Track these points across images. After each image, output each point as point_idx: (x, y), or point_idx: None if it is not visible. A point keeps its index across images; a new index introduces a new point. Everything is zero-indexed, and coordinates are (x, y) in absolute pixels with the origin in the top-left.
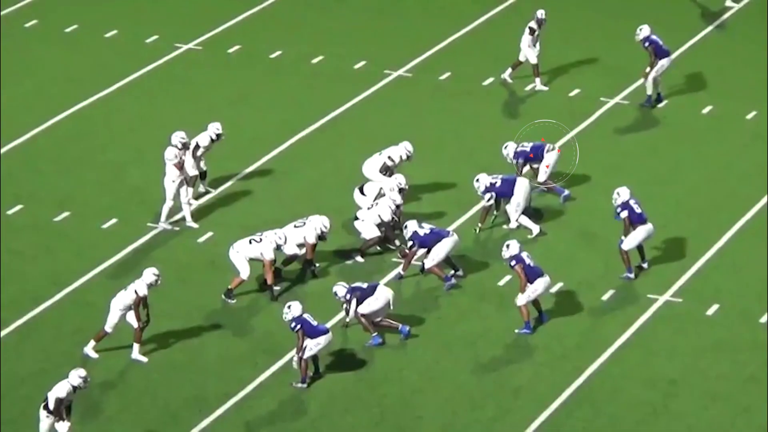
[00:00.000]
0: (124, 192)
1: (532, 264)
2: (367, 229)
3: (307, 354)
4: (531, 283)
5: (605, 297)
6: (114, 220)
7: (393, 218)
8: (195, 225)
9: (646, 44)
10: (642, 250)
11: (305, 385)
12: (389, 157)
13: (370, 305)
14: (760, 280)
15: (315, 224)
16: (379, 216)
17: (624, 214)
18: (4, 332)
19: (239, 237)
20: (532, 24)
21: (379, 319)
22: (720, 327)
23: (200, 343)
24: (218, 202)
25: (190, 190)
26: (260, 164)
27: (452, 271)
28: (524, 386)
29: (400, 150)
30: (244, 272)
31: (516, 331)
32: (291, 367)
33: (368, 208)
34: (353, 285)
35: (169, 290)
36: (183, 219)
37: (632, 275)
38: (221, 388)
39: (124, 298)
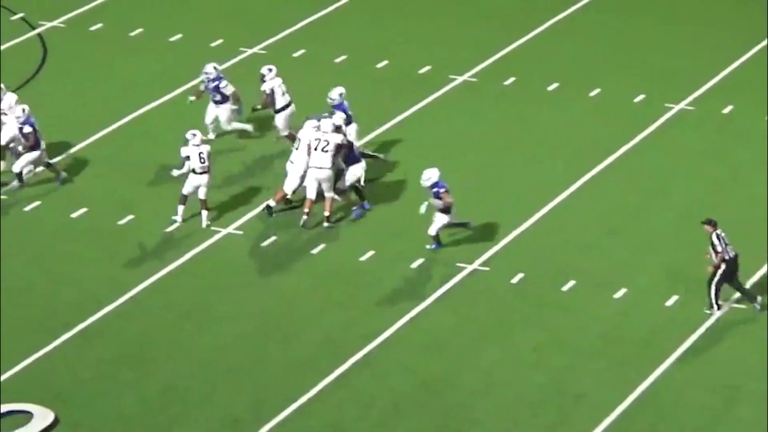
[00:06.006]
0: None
1: None
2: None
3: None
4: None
5: (669, 303)
6: (177, 224)
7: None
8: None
9: None
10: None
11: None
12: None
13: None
14: None
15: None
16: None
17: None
18: (66, 336)
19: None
20: None
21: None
22: None
23: (262, 347)
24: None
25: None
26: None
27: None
28: (586, 392)
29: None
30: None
31: (428, 246)
32: None
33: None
34: None
35: (231, 294)
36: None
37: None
38: (283, 393)
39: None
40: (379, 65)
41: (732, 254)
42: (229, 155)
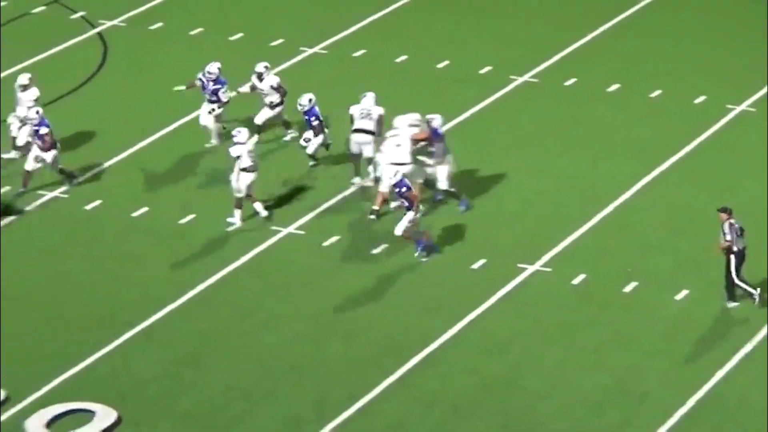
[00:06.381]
0: None
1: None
2: None
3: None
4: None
5: (732, 303)
6: (238, 224)
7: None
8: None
9: None
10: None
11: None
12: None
13: None
14: None
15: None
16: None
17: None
18: (128, 335)
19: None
20: None
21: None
22: None
23: (324, 346)
24: (346, 205)
25: None
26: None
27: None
28: (649, 392)
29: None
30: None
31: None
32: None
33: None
34: None
35: (293, 293)
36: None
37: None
38: (345, 392)
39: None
40: (440, 65)
41: (740, 246)
42: (290, 154)
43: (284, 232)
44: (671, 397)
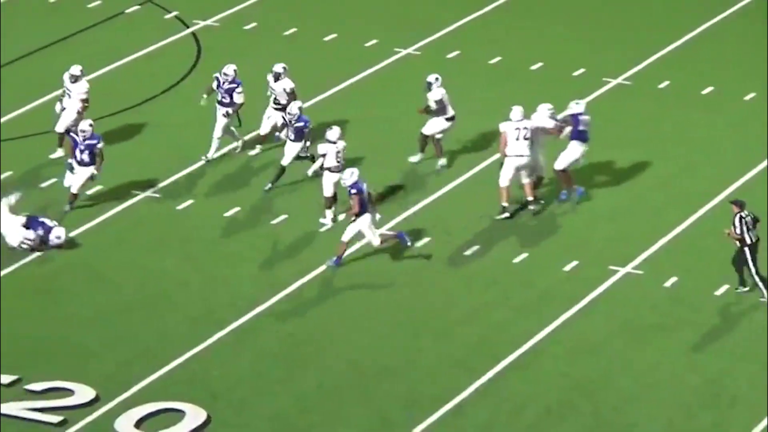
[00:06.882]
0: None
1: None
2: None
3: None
4: (361, 215)
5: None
6: (329, 224)
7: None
8: None
9: None
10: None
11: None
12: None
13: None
14: None
15: None
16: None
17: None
18: (220, 334)
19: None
20: None
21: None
22: None
23: (415, 347)
24: (438, 206)
25: None
26: (479, 169)
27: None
28: (740, 396)
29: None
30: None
31: (327, 263)
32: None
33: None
34: None
35: (384, 293)
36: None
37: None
38: (435, 394)
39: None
40: (534, 67)
41: (753, 239)
42: (384, 154)
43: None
44: (763, 401)
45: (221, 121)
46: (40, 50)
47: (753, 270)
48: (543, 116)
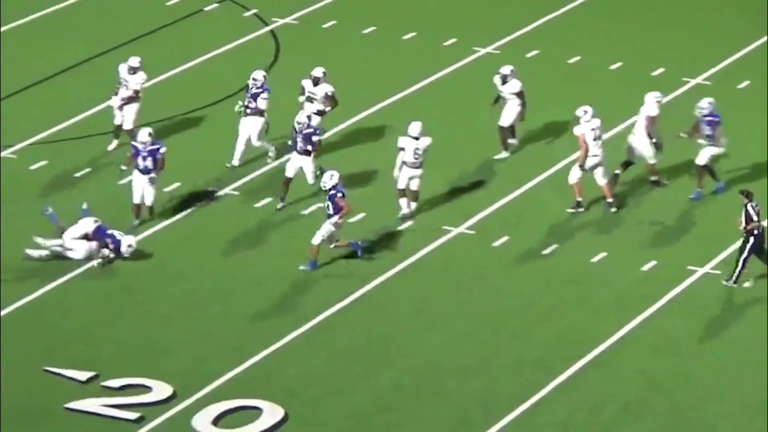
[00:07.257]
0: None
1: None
2: None
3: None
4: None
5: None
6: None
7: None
8: None
9: None
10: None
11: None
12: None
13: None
14: None
15: None
16: None
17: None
18: (297, 332)
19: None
20: None
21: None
22: None
23: (492, 346)
24: (516, 205)
25: None
26: (556, 169)
27: None
28: None
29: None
30: None
31: (301, 267)
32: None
33: None
34: None
35: (461, 292)
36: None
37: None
38: (513, 393)
39: None
40: (613, 67)
41: (760, 229)
42: (462, 153)
43: (455, 231)
44: None
45: (247, 127)
46: (118, 47)
47: (743, 256)
48: (651, 105)
